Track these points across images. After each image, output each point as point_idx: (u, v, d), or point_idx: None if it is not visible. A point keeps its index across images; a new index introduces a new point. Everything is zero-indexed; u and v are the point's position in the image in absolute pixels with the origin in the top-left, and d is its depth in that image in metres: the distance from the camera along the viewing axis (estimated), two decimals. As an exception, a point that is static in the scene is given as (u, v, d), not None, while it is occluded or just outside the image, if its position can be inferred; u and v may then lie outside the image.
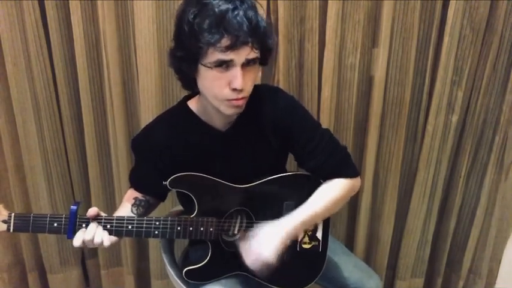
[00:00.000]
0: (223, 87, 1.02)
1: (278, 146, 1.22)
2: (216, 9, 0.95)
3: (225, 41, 0.95)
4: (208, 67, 1.00)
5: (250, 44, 0.98)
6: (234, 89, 1.01)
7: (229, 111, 1.06)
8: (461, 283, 1.99)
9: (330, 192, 1.19)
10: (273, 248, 1.08)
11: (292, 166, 1.38)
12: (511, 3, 1.59)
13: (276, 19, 1.56)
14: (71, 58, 1.64)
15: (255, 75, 1.08)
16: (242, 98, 1.04)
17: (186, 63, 1.04)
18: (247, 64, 1.01)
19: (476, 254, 1.96)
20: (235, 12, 0.95)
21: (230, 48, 0.96)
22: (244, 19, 0.96)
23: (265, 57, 1.09)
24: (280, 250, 1.09)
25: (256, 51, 1.01)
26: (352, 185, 1.22)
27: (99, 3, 1.53)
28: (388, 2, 1.55)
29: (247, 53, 0.99)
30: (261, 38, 1.01)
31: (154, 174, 1.17)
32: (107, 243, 1.08)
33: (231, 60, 0.98)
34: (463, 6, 1.56)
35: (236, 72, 1.00)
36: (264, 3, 1.54)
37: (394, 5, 1.56)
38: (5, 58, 1.58)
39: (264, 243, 1.09)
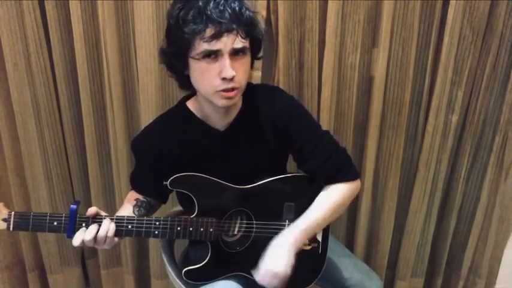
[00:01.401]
0: (214, 78, 1.02)
1: (277, 146, 1.22)
2: (200, 2, 0.98)
3: (209, 31, 0.97)
4: (197, 59, 1.01)
5: (235, 32, 1.00)
6: (224, 79, 1.01)
7: (221, 102, 1.06)
8: (461, 283, 1.99)
9: (331, 199, 1.19)
10: (285, 262, 1.10)
11: (292, 167, 1.37)
12: (511, 3, 1.59)
13: (276, 19, 1.56)
14: (71, 58, 1.64)
15: (246, 66, 1.08)
16: (233, 89, 1.04)
17: (176, 58, 1.06)
18: (235, 54, 1.02)
19: (476, 254, 1.96)
20: (217, 1, 0.98)
21: (215, 37, 0.98)
22: (227, 7, 0.99)
23: (255, 48, 1.10)
24: (291, 261, 1.11)
25: (244, 41, 1.02)
26: (351, 188, 1.21)
27: (99, 3, 1.53)
28: (388, 2, 1.54)
29: (233, 41, 1.00)
30: (247, 26, 1.03)
31: (155, 175, 1.17)
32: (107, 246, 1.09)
33: (218, 50, 1.00)
34: (463, 6, 1.56)
35: (224, 61, 1.01)
36: (264, 3, 1.54)
37: (394, 5, 1.56)
38: (5, 58, 1.58)
39: (275, 260, 1.11)
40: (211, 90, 1.05)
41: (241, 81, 1.06)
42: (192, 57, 1.02)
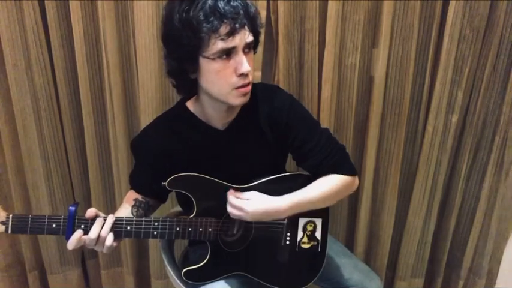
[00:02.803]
0: (230, 76, 1.03)
1: (277, 144, 1.23)
2: (208, 0, 0.97)
3: (224, 28, 0.97)
4: (211, 59, 1.01)
5: (246, 27, 1.01)
6: (241, 74, 1.02)
7: (238, 100, 1.07)
8: (461, 283, 1.99)
9: (326, 183, 1.19)
10: (257, 207, 1.11)
11: (291, 166, 1.37)
12: (511, 3, 1.59)
13: (276, 19, 1.56)
14: (71, 58, 1.64)
15: (253, 60, 1.09)
16: (248, 84, 1.06)
17: (186, 62, 1.04)
18: (246, 48, 1.03)
19: (476, 254, 1.96)
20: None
21: (231, 34, 0.98)
22: (237, 3, 0.99)
23: (256, 42, 1.10)
24: (260, 214, 1.12)
25: (251, 34, 1.03)
26: (348, 182, 1.22)
27: (99, 3, 1.53)
28: (388, 2, 1.54)
29: (245, 36, 1.01)
30: (253, 20, 1.04)
31: (154, 175, 1.17)
32: (108, 242, 1.08)
33: (234, 47, 1.00)
34: (463, 6, 1.56)
35: (240, 57, 1.01)
36: (264, 3, 1.54)
37: (394, 5, 1.56)
38: (5, 58, 1.58)
39: (252, 200, 1.12)
40: (227, 89, 1.05)
41: (253, 75, 1.07)
42: (206, 57, 1.01)
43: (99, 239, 1.07)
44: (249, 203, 1.11)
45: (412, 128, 1.77)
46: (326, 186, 1.19)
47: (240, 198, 1.13)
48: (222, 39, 0.98)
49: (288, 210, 1.15)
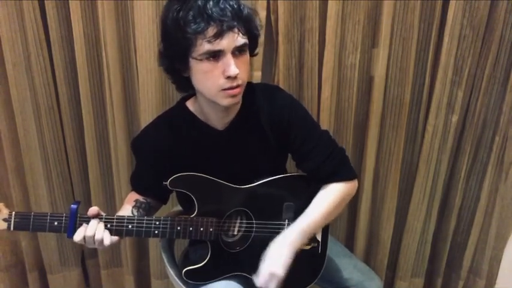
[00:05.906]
0: (218, 77, 1.02)
1: (277, 145, 1.23)
2: (199, 1, 0.97)
3: (212, 30, 0.97)
4: (199, 60, 1.01)
5: (236, 29, 1.00)
6: (229, 77, 1.01)
7: (225, 101, 1.06)
8: (461, 283, 1.99)
9: (328, 199, 1.19)
10: (282, 264, 1.11)
11: (292, 167, 1.37)
12: (511, 3, 1.59)
13: (276, 19, 1.56)
14: (71, 58, 1.64)
15: (247, 63, 1.08)
16: (237, 87, 1.05)
17: (176, 60, 1.05)
18: (237, 51, 1.02)
19: (476, 254, 1.96)
20: (216, 0, 0.98)
21: (218, 36, 0.97)
22: (226, 5, 0.98)
23: (253, 45, 1.09)
24: (288, 262, 1.12)
25: (244, 37, 1.02)
26: (349, 188, 1.22)
27: (99, 3, 1.53)
28: (388, 2, 1.55)
29: (234, 38, 1.00)
30: (246, 22, 1.03)
31: (155, 175, 1.17)
32: (107, 241, 1.08)
33: (221, 51, 0.99)
34: (463, 6, 1.56)
35: (228, 60, 1.01)
36: (264, 3, 1.54)
37: (394, 5, 1.56)
38: (5, 58, 1.58)
39: (274, 262, 1.12)
40: (215, 90, 1.04)
41: (243, 78, 1.06)
42: (194, 58, 1.01)
43: (95, 236, 1.07)
44: (272, 267, 1.11)
45: (412, 128, 1.77)
46: (328, 202, 1.19)
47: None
48: (209, 41, 0.97)
49: (299, 240, 1.16)
